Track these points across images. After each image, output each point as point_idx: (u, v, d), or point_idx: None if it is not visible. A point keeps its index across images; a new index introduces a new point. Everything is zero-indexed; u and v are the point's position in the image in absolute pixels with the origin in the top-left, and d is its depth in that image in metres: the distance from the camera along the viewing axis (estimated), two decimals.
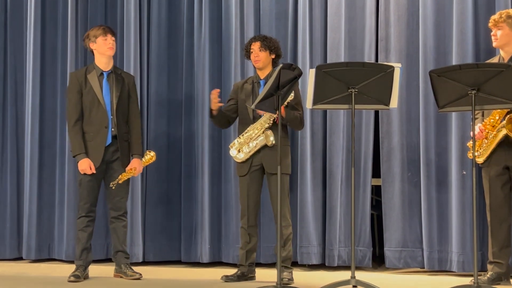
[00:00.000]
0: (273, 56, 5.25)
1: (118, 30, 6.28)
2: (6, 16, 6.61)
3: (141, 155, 5.46)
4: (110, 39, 5.35)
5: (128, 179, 5.41)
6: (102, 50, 5.34)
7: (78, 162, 5.28)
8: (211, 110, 5.21)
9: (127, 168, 5.35)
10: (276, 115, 4.90)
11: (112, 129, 5.31)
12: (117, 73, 5.43)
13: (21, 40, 6.56)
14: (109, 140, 5.31)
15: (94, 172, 5.26)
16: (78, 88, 5.32)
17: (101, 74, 5.37)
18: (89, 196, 5.30)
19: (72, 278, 5.19)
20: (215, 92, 5.16)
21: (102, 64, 5.37)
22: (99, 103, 5.30)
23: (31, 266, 6.20)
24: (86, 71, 5.38)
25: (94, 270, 5.48)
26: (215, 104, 5.14)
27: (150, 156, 5.49)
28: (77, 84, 5.33)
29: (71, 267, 5.37)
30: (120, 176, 5.31)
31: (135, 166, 5.37)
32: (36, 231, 6.34)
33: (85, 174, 5.27)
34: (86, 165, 5.25)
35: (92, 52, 5.42)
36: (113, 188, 5.31)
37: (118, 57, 6.27)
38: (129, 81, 5.48)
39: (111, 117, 5.32)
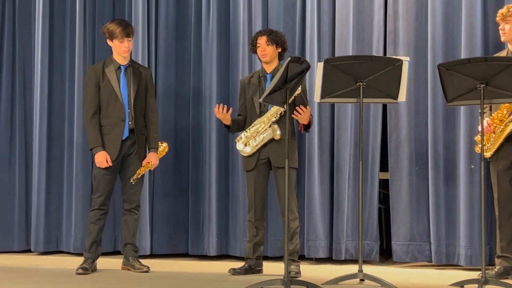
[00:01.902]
0: (279, 50, 5.25)
1: None
2: (14, 9, 6.62)
3: (158, 149, 5.47)
4: (126, 42, 5.32)
5: (144, 173, 5.42)
6: (118, 51, 5.35)
7: (94, 155, 5.30)
8: (226, 126, 5.22)
9: (144, 162, 5.37)
10: (283, 108, 4.91)
11: (129, 123, 5.32)
12: (134, 67, 5.43)
13: (30, 32, 6.57)
14: (126, 134, 5.31)
15: (111, 165, 5.27)
16: (96, 82, 5.33)
17: (119, 68, 5.37)
18: (104, 190, 5.31)
19: (80, 271, 5.21)
20: (221, 109, 5.11)
21: (120, 58, 5.38)
22: (116, 97, 5.31)
23: (39, 258, 6.22)
24: (104, 65, 5.38)
25: (102, 262, 5.49)
26: (227, 119, 5.15)
27: (163, 147, 5.52)
28: (94, 78, 5.34)
29: (79, 260, 5.39)
30: (138, 171, 5.33)
31: (152, 160, 5.39)
32: (44, 223, 6.37)
33: (101, 168, 5.28)
34: (102, 158, 5.26)
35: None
36: (133, 183, 5.33)
37: None
38: (147, 75, 5.49)
39: (128, 110, 5.32)
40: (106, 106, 5.33)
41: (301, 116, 5.00)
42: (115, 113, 5.31)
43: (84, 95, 5.48)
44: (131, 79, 5.37)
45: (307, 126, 5.17)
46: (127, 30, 5.33)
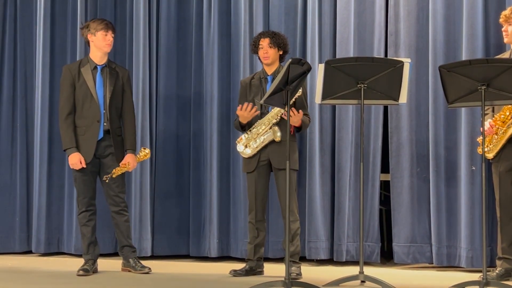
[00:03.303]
0: (280, 52, 5.24)
1: (127, 24, 6.31)
2: (16, 10, 6.62)
3: (135, 150, 5.43)
4: (110, 35, 5.29)
5: (124, 173, 5.38)
6: (100, 45, 5.29)
7: (68, 156, 5.25)
8: (242, 126, 5.19)
9: (121, 163, 5.30)
10: (284, 110, 4.91)
11: (105, 124, 5.26)
12: (111, 67, 5.37)
13: (31, 33, 6.57)
14: (100, 135, 5.25)
15: (85, 167, 5.22)
16: (71, 81, 5.27)
17: (95, 67, 5.31)
18: (87, 191, 5.28)
19: (81, 272, 5.20)
20: (245, 107, 5.08)
21: (97, 57, 5.32)
22: (92, 97, 5.25)
23: (40, 259, 6.22)
24: (80, 64, 5.32)
25: (103, 264, 5.49)
26: (248, 119, 5.12)
27: (145, 153, 5.45)
28: (70, 77, 5.28)
29: (80, 261, 5.39)
30: (114, 170, 5.27)
31: (129, 161, 5.34)
32: (45, 224, 6.36)
33: (79, 170, 5.23)
34: (76, 160, 5.20)
35: (88, 43, 5.38)
36: (107, 181, 5.26)
37: (127, 51, 6.29)
38: (124, 75, 5.42)
39: (104, 111, 5.26)
40: (81, 106, 5.26)
41: (292, 118, 4.98)
42: (90, 113, 5.25)
43: (59, 95, 5.42)
44: (108, 79, 5.31)
45: (299, 129, 5.16)
46: (111, 25, 5.34)
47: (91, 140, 5.24)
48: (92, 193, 5.32)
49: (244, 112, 5.09)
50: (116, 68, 5.42)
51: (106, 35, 5.28)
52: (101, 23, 5.30)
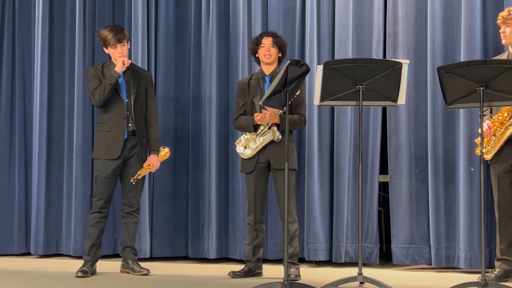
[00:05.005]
0: (280, 55, 5.26)
1: (125, 25, 6.28)
2: (14, 12, 6.62)
3: (158, 151, 5.45)
4: (120, 47, 5.27)
5: (144, 176, 5.40)
6: (114, 56, 5.31)
7: (116, 70, 5.19)
8: (256, 124, 5.17)
9: (145, 164, 5.34)
10: (283, 111, 4.91)
11: (129, 124, 5.29)
12: (134, 70, 5.41)
13: (29, 35, 6.57)
14: (125, 135, 5.29)
15: (129, 61, 5.26)
16: (99, 78, 5.29)
17: None
18: (104, 193, 5.28)
19: (79, 274, 5.20)
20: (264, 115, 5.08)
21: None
22: (117, 96, 5.28)
23: (38, 261, 6.22)
24: (103, 66, 5.36)
25: (101, 265, 5.49)
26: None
27: (164, 152, 5.49)
28: (97, 75, 5.30)
29: (79, 263, 5.39)
30: (139, 172, 5.30)
31: (153, 162, 5.37)
32: (44, 226, 6.36)
33: (102, 171, 5.25)
34: (120, 59, 5.20)
35: None
36: (134, 183, 5.30)
37: None
38: (147, 78, 5.46)
39: (128, 113, 5.29)
40: (107, 105, 5.28)
41: (269, 117, 5.02)
42: (116, 111, 5.27)
43: (88, 89, 5.36)
44: (131, 82, 5.35)
45: (278, 125, 5.14)
46: (118, 36, 5.28)
47: (118, 137, 5.26)
48: (108, 196, 5.32)
49: (262, 120, 5.10)
50: (139, 70, 5.47)
51: (115, 48, 5.28)
52: (108, 36, 5.27)
